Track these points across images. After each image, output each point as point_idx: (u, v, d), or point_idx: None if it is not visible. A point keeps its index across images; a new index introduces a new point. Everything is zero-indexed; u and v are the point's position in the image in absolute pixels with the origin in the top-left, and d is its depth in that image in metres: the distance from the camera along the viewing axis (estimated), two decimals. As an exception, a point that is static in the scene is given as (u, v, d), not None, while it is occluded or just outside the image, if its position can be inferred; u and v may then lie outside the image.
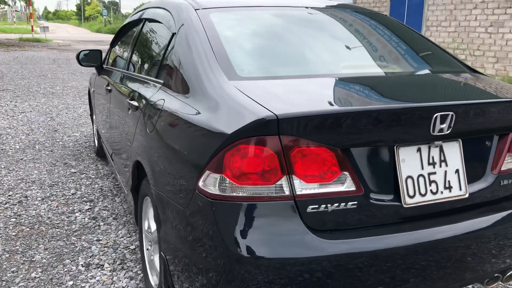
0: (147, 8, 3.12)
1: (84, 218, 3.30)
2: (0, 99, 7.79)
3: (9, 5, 20.42)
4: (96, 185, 3.96)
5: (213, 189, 1.58)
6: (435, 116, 1.67)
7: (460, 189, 1.81)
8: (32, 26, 26.55)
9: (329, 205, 1.61)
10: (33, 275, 2.56)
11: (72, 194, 3.76)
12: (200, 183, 1.61)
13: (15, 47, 19.94)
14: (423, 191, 1.74)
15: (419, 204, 1.73)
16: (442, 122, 1.70)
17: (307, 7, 2.64)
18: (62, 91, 8.76)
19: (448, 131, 1.72)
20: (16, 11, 59.59)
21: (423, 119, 1.67)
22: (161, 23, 2.63)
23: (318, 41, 2.33)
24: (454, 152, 1.81)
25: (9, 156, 4.72)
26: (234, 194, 1.56)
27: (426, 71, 2.28)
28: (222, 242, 1.56)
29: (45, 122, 6.25)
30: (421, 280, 1.73)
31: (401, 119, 1.67)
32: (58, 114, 6.76)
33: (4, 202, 3.56)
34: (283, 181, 1.57)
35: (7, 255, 2.76)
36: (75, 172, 4.28)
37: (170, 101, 2.04)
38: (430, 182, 1.76)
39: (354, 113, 1.61)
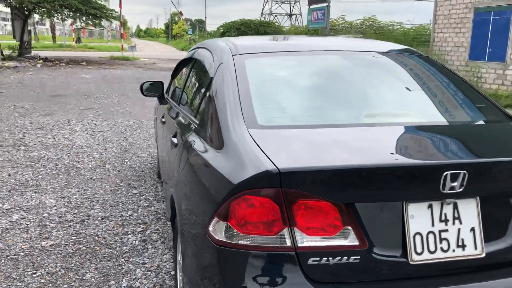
0: (199, 47, 3.32)
1: (135, 240, 3.54)
2: (84, 117, 8.47)
3: (102, 26, 22.14)
4: (152, 207, 4.22)
5: (219, 236, 1.68)
6: (444, 174, 1.66)
7: (476, 248, 1.76)
8: (122, 46, 28.49)
9: (330, 258, 1.65)
10: (80, 293, 2.81)
11: (129, 215, 4.04)
12: (210, 228, 1.73)
13: (105, 65, 21.51)
14: (432, 249, 1.72)
15: (427, 262, 1.72)
16: (453, 180, 1.68)
17: (348, 51, 2.69)
18: (139, 111, 9.35)
19: (461, 189, 1.70)
20: (111, 30, 64.14)
21: (432, 177, 1.67)
22: (204, 64, 2.80)
23: (348, 88, 2.38)
24: (470, 209, 1.77)
25: (81, 174, 5.16)
26: (238, 242, 1.65)
27: (453, 122, 2.23)
28: (223, 287, 1.66)
29: (118, 141, 6.73)
30: None
31: (407, 176, 1.68)
32: (131, 134, 7.24)
33: (69, 220, 3.91)
34: (285, 233, 1.64)
35: (63, 272, 3.05)
36: (136, 193, 4.58)
37: (198, 144, 2.19)
38: (441, 239, 1.74)
39: (357, 170, 1.65)
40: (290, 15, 63.65)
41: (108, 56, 26.69)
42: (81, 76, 15.97)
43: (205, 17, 74.36)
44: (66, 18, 24.04)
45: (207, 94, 2.39)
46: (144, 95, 4.18)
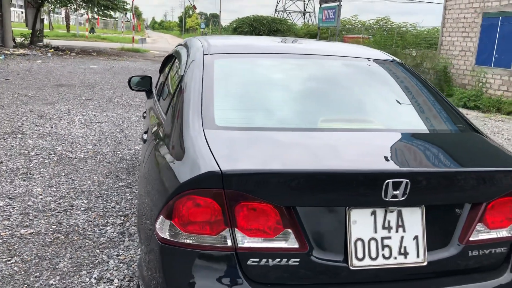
0: (181, 44, 3.36)
1: (113, 232, 3.60)
2: (85, 108, 8.57)
3: (113, 17, 22.26)
4: (136, 201, 4.28)
5: (164, 234, 1.72)
6: (386, 182, 1.69)
7: (418, 257, 1.79)
8: (133, 37, 28.64)
9: (270, 259, 1.69)
10: (51, 281, 2.87)
11: (112, 207, 4.10)
12: (157, 226, 1.77)
13: (115, 56, 21.65)
14: (374, 255, 1.75)
15: (367, 268, 1.74)
16: (395, 189, 1.70)
17: (320, 55, 2.71)
18: (140, 103, 9.43)
19: (403, 198, 1.72)
20: (126, 21, 64.41)
21: (374, 184, 1.70)
22: (180, 62, 2.84)
23: (312, 92, 2.40)
24: (414, 218, 1.79)
25: (72, 164, 5.23)
26: (180, 240, 1.69)
27: (409, 130, 2.23)
28: (164, 285, 1.70)
29: (114, 133, 6.80)
30: None
31: (350, 182, 1.71)
32: (128, 126, 7.31)
33: (52, 209, 3.98)
34: (226, 233, 1.68)
35: (37, 260, 3.11)
36: (122, 186, 4.65)
37: (158, 141, 2.23)
38: (384, 246, 1.76)
39: (298, 174, 1.67)
40: (304, 13, 63.42)
41: (119, 48, 26.82)
42: (89, 67, 16.10)
43: (220, 11, 74.31)
44: (78, 8, 24.20)
45: (176, 92, 2.43)
46: (132, 89, 4.22)
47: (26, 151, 5.60)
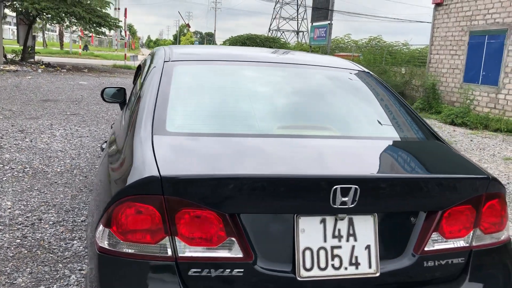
0: (150, 53, 3.32)
1: (80, 246, 3.49)
2: (68, 122, 8.48)
3: (106, 35, 22.30)
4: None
5: (102, 242, 1.64)
6: (334, 188, 1.62)
7: (370, 267, 1.71)
8: (125, 54, 28.70)
9: (212, 270, 1.61)
10: (6, 297, 2.76)
11: (82, 221, 3.99)
12: (96, 235, 1.68)
13: (106, 73, 21.64)
14: (323, 265, 1.67)
15: (316, 278, 1.66)
16: (344, 195, 1.63)
17: (282, 63, 2.66)
18: (125, 119, 9.35)
19: (353, 205, 1.65)
20: (121, 39, 64.72)
21: (322, 190, 1.63)
22: (144, 70, 2.79)
23: (270, 99, 2.35)
24: (366, 226, 1.72)
25: (47, 178, 5.13)
26: (118, 249, 1.61)
27: (365, 137, 2.16)
28: None
29: (94, 148, 6.71)
30: None
31: (296, 189, 1.64)
32: (110, 141, 7.22)
33: (19, 223, 3.87)
34: (167, 242, 1.59)
35: (-5, 275, 3.00)
36: (95, 200, 4.54)
37: (110, 147, 2.16)
38: (333, 256, 1.69)
39: (241, 179, 1.60)
40: (297, 32, 64.02)
41: (111, 65, 26.85)
42: (78, 83, 16.05)
43: (214, 30, 74.91)
44: (70, 25, 24.24)
45: (135, 99, 2.37)
46: (106, 100, 4.16)
47: (1, 165, 5.49)
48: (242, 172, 1.66)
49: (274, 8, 66.60)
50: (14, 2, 20.37)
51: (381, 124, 2.33)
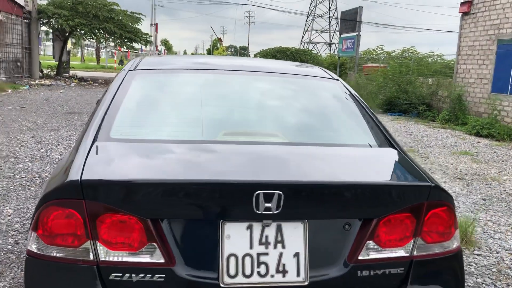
0: None
1: None
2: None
3: (136, 50, 22.82)
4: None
5: (30, 246, 1.67)
6: (256, 193, 1.60)
7: (298, 275, 1.67)
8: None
9: (133, 274, 1.61)
10: (-17, 300, 2.84)
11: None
12: (28, 239, 1.72)
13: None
14: (248, 272, 1.65)
15: (240, 286, 1.64)
16: (267, 201, 1.61)
17: (248, 71, 2.67)
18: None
19: (278, 211, 1.62)
20: (158, 53, 66.09)
21: (245, 196, 1.61)
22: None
23: (224, 106, 2.35)
24: (295, 233, 1.69)
25: None
26: (43, 253, 1.64)
27: (308, 143, 2.12)
28: None
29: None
30: None
31: (217, 194, 1.63)
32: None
33: (15, 229, 3.98)
34: (88, 246, 1.61)
35: (-21, 279, 3.10)
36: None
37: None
38: (260, 263, 1.66)
39: (162, 184, 1.61)
40: (329, 44, 63.84)
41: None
42: (106, 96, 16.49)
43: (248, 44, 75.60)
44: (102, 40, 25.04)
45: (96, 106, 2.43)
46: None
47: (12, 174, 5.69)
48: (163, 177, 1.67)
49: (306, 21, 66.79)
50: (51, 20, 21.23)
51: (333, 131, 2.29)
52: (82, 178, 1.59)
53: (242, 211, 1.63)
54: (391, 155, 2.08)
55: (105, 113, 2.10)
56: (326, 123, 2.36)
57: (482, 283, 3.38)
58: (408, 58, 18.10)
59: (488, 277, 3.49)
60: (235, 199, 1.63)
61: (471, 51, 14.05)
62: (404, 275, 1.78)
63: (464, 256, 3.85)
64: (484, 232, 4.51)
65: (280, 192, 1.61)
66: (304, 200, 1.67)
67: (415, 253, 1.79)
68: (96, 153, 1.81)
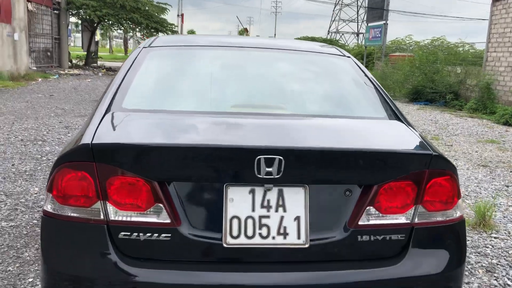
0: None
1: None
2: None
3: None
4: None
5: (46, 207, 1.78)
6: (257, 158, 1.66)
7: (299, 238, 1.73)
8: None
9: (141, 234, 1.69)
10: (9, 268, 3.00)
11: None
12: (45, 200, 1.83)
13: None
14: (250, 234, 1.71)
15: (242, 246, 1.71)
16: (268, 166, 1.67)
17: (260, 48, 2.71)
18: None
19: (279, 176, 1.68)
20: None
21: (247, 160, 1.67)
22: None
23: (235, 80, 2.40)
24: (297, 198, 1.74)
25: None
26: (57, 212, 1.74)
27: (312, 115, 2.15)
28: (41, 254, 1.75)
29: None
30: None
31: (223, 158, 1.69)
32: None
33: (41, 206, 4.16)
34: (99, 206, 1.70)
35: (5, 249, 3.26)
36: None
37: None
38: (261, 225, 1.72)
39: (170, 148, 1.69)
40: (357, 34, 63.03)
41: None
42: (133, 85, 16.76)
43: (275, 34, 75.34)
44: (129, 31, 25.40)
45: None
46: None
47: (39, 156, 5.90)
48: (170, 141, 1.74)
49: (333, 11, 66.04)
50: (80, 10, 21.67)
51: (340, 104, 2.32)
52: (93, 142, 1.68)
53: (244, 175, 1.69)
54: (396, 127, 2.10)
55: (119, 86, 2.18)
56: (333, 97, 2.39)
57: (497, 264, 3.36)
58: (438, 47, 17.73)
59: (504, 258, 3.47)
60: (237, 164, 1.69)
61: (502, 38, 13.69)
62: (405, 241, 1.81)
63: (480, 239, 3.83)
64: (504, 217, 4.45)
65: (281, 157, 1.66)
66: (305, 166, 1.72)
67: (416, 220, 1.81)
68: (108, 121, 1.90)
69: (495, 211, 4.50)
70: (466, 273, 3.19)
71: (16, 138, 6.82)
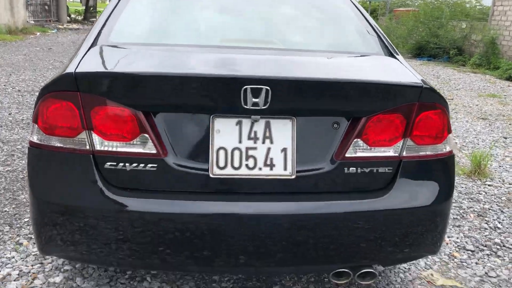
0: None
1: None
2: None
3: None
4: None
5: (32, 137, 1.77)
6: (244, 88, 1.63)
7: (285, 169, 1.73)
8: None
9: (127, 164, 1.69)
10: (6, 209, 3.04)
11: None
12: (31, 131, 1.82)
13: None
14: (236, 164, 1.71)
15: (229, 177, 1.71)
16: (255, 96, 1.64)
17: None
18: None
19: (266, 107, 1.66)
20: None
21: (233, 90, 1.65)
22: None
23: (223, 15, 2.35)
24: (284, 130, 1.73)
25: None
26: (43, 143, 1.73)
27: (306, 49, 2.12)
28: (29, 185, 1.76)
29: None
30: (220, 254, 1.72)
31: (208, 88, 1.67)
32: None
33: (37, 152, 4.17)
34: (84, 136, 1.69)
35: (2, 192, 3.30)
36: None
37: None
38: (248, 156, 1.72)
39: (154, 77, 1.66)
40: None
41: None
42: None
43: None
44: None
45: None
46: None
47: (37, 106, 5.88)
48: (154, 70, 1.71)
49: (338, -35, 64.08)
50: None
51: (332, 40, 2.27)
52: (77, 71, 1.65)
53: (231, 106, 1.67)
54: (389, 62, 2.06)
55: (106, 21, 2.14)
56: (327, 32, 2.34)
57: (489, 209, 3.39)
58: (443, 3, 17.28)
59: (496, 204, 3.49)
60: (224, 94, 1.67)
61: (509, -8, 13.31)
62: (392, 174, 1.81)
63: (475, 186, 3.85)
64: (500, 166, 4.46)
65: (268, 88, 1.63)
66: (292, 97, 1.69)
67: (404, 153, 1.80)
68: (94, 53, 1.87)
69: (491, 161, 4.51)
70: (458, 217, 3.23)
71: (13, 89, 6.79)
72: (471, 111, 7.08)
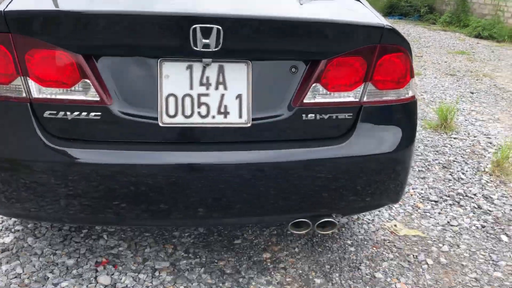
0: None
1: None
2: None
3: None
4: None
5: None
6: (193, 27, 1.50)
7: (240, 117, 1.63)
8: None
9: (68, 112, 1.57)
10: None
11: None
12: None
13: None
14: (188, 113, 1.61)
15: (180, 125, 1.61)
16: (206, 37, 1.52)
17: None
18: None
19: (218, 48, 1.54)
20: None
21: (181, 30, 1.52)
22: None
23: None
24: (238, 75, 1.62)
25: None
26: (-27, 90, 1.58)
27: None
28: None
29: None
30: (176, 206, 1.64)
31: (153, 29, 1.54)
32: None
33: None
34: (20, 82, 1.55)
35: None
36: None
37: None
38: (200, 104, 1.61)
39: (93, 15, 1.52)
40: None
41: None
42: None
43: None
44: None
45: None
46: None
47: None
48: (92, 8, 1.56)
49: None
50: None
51: None
52: (6, 10, 1.49)
53: (179, 48, 1.55)
54: (350, 3, 1.94)
55: None
56: None
57: (454, 161, 3.39)
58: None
59: (461, 156, 3.51)
60: (171, 35, 1.54)
61: None
62: (352, 121, 1.73)
63: (440, 139, 3.85)
64: (465, 120, 4.48)
65: (219, 27, 1.51)
66: (247, 38, 1.58)
67: (365, 99, 1.73)
68: None
69: (458, 115, 4.52)
70: (423, 169, 3.23)
71: None
72: (440, 68, 7.08)
